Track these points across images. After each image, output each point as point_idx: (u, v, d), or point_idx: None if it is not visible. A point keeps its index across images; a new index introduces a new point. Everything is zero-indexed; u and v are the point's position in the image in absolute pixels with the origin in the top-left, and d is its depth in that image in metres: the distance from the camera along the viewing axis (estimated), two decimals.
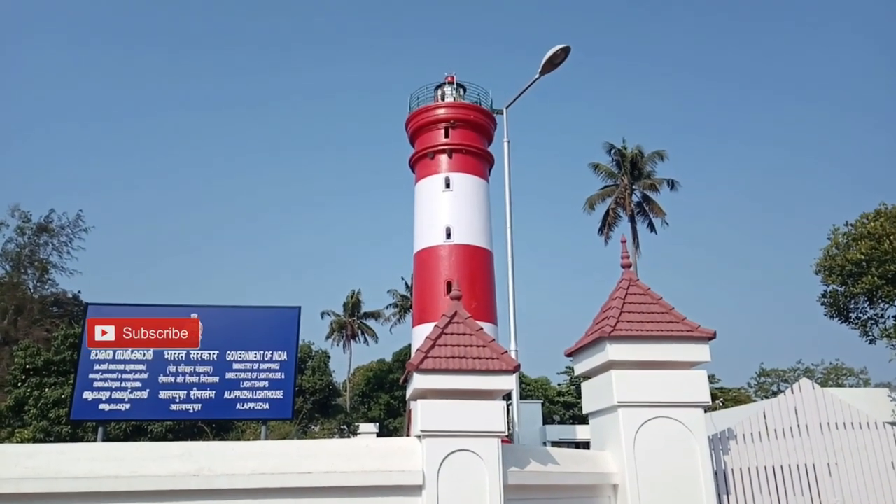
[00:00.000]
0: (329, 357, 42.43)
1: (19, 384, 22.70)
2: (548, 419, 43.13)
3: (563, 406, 46.37)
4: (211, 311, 8.13)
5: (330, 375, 42.06)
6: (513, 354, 9.98)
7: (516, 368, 6.29)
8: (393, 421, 41.27)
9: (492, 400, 6.26)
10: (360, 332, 54.57)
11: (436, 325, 6.67)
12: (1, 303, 35.29)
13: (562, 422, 43.86)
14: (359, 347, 58.21)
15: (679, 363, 7.62)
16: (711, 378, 43.97)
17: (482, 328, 6.73)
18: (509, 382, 6.27)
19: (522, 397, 42.71)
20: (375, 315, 54.73)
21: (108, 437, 19.44)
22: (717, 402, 36.98)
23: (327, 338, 54.37)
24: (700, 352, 7.63)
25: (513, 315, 9.80)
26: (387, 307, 54.40)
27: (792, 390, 9.04)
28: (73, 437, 20.95)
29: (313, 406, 39.84)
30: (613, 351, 7.51)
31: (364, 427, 38.87)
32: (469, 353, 6.33)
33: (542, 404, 42.54)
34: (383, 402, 42.92)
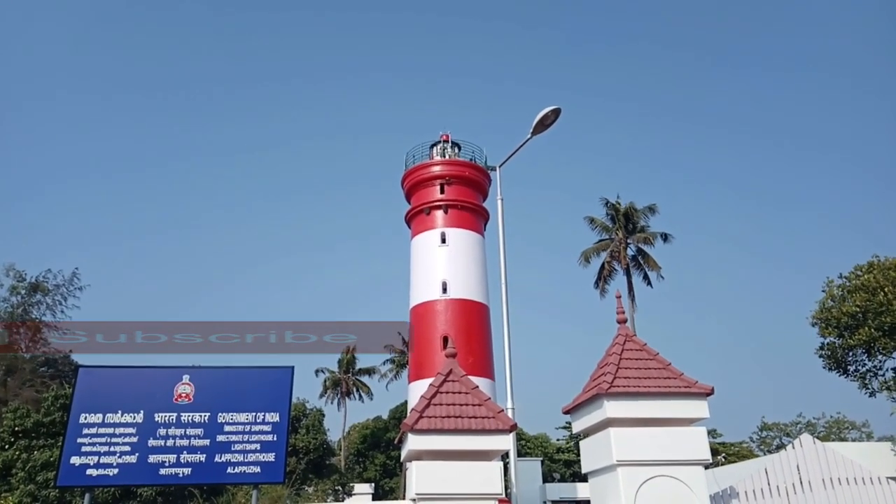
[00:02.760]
0: (324, 415, 41.67)
1: (7, 447, 22.13)
2: (548, 477, 42.16)
3: (563, 464, 45.43)
4: (202, 372, 8.04)
5: (325, 434, 41.22)
6: (510, 412, 9.85)
7: (513, 428, 6.21)
8: (389, 481, 40.29)
9: (488, 461, 6.16)
10: (355, 389, 53.79)
11: (431, 384, 6.62)
12: None
13: (562, 479, 42.87)
14: (354, 405, 57.28)
15: (678, 420, 7.55)
16: (713, 432, 43.28)
17: (477, 386, 6.68)
18: (506, 442, 6.18)
19: (521, 454, 41.91)
20: (370, 371, 54.08)
21: (95, 502, 18.80)
22: (718, 457, 36.29)
23: (321, 395, 53.53)
24: (698, 408, 7.57)
25: (509, 372, 9.71)
26: (383, 363, 53.85)
27: (793, 446, 8.92)
28: (61, 502, 20.34)
29: (307, 466, 38.87)
30: (611, 408, 7.43)
31: (359, 488, 37.90)
32: (465, 413, 6.26)
33: (542, 462, 41.67)
34: (379, 461, 42.01)
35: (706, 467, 7.66)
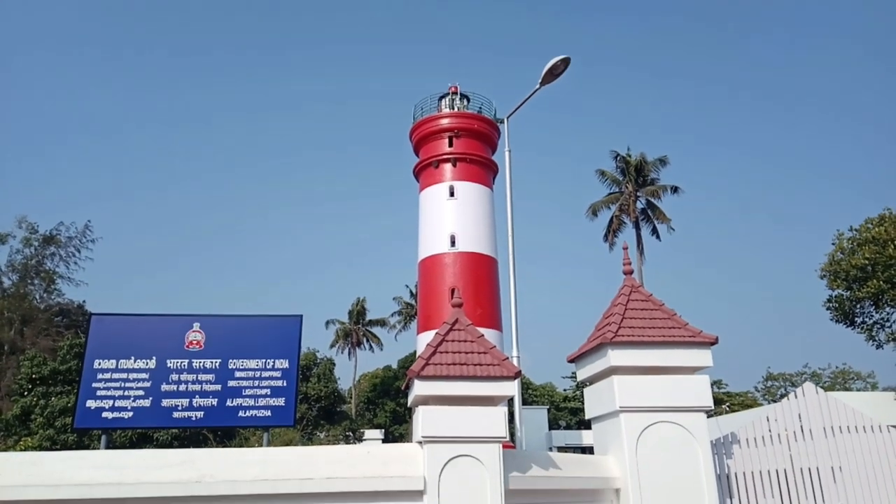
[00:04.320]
0: (334, 364, 42.54)
1: (26, 393, 22.82)
2: (553, 425, 43.01)
3: (569, 412, 46.27)
4: (213, 320, 8.18)
5: (335, 383, 42.13)
6: (515, 361, 10.00)
7: (517, 374, 6.31)
8: (398, 427, 41.22)
9: (493, 406, 6.27)
10: (365, 340, 54.61)
11: (437, 333, 6.69)
12: (7, 313, 35.48)
13: (567, 427, 43.75)
14: (364, 355, 58.26)
15: (681, 368, 7.62)
16: (718, 383, 43.81)
17: (483, 335, 6.75)
18: (510, 388, 6.28)
19: (528, 403, 42.66)
20: (380, 323, 54.80)
21: (113, 446, 19.46)
22: (723, 406, 36.80)
23: (332, 346, 54.43)
24: (702, 357, 7.63)
25: (514, 321, 9.81)
26: (392, 315, 54.50)
27: (796, 395, 9.01)
28: (79, 446, 21.00)
29: (319, 413, 39.88)
30: (615, 357, 7.52)
31: (369, 433, 38.82)
32: (470, 360, 6.35)
33: (548, 410, 42.45)
34: (389, 408, 42.90)
35: (709, 415, 7.78)
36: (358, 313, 54.60)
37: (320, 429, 39.00)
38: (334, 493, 5.69)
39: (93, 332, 7.85)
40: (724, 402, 39.26)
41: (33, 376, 22.67)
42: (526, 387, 46.40)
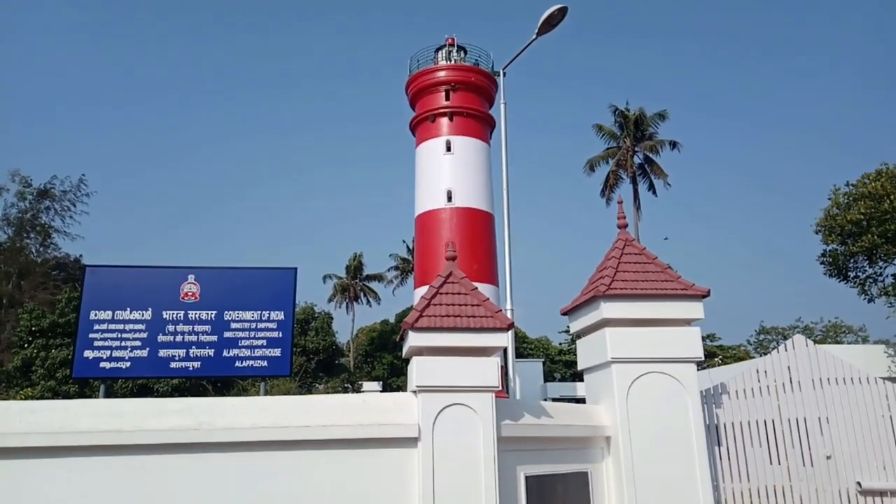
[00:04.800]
0: (332, 318, 42.93)
1: (25, 345, 23.03)
2: (549, 377, 43.73)
3: (563, 364, 46.98)
4: (208, 272, 8.21)
5: (333, 336, 42.57)
6: (508, 313, 10.09)
7: (510, 326, 6.37)
8: (396, 379, 41.87)
9: (486, 356, 6.36)
10: (362, 295, 55.00)
11: (431, 286, 6.73)
12: (4, 267, 35.54)
13: (563, 379, 44.50)
14: (362, 309, 58.79)
15: (673, 321, 7.70)
16: (712, 336, 44.38)
17: (476, 288, 6.80)
18: (503, 340, 6.35)
19: (524, 356, 43.26)
20: (378, 277, 55.12)
21: (114, 397, 19.79)
22: (716, 359, 37.38)
23: (330, 300, 54.86)
24: (694, 309, 7.70)
25: (509, 275, 9.88)
26: (388, 270, 54.77)
27: (785, 347, 9.12)
28: (80, 396, 21.37)
29: (317, 366, 40.42)
30: (608, 309, 7.59)
31: (368, 385, 39.49)
32: (463, 312, 6.41)
33: (543, 363, 43.08)
34: (387, 361, 43.48)
35: (700, 367, 7.90)
36: (355, 268, 54.85)
37: (319, 381, 39.58)
38: (330, 441, 5.81)
39: (87, 284, 7.89)
40: (717, 355, 39.84)
41: (32, 329, 22.83)
42: (522, 340, 46.96)
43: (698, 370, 7.75)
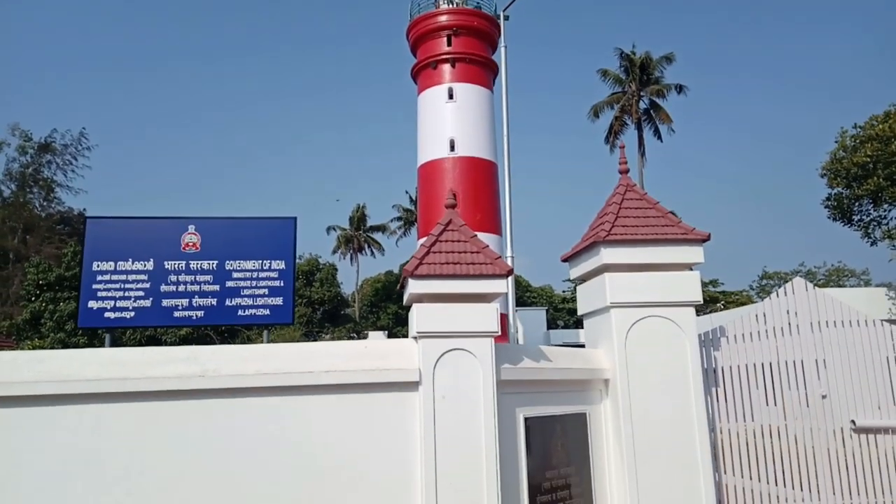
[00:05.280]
0: (336, 269, 43.22)
1: (33, 299, 23.31)
2: (552, 324, 44.18)
3: (566, 312, 47.40)
4: (208, 222, 8.22)
5: (338, 287, 42.94)
6: (509, 261, 10.14)
7: (509, 273, 6.40)
8: (401, 329, 42.41)
9: (486, 303, 6.42)
10: (366, 246, 55.18)
11: (431, 233, 6.75)
12: (9, 222, 35.68)
13: (566, 327, 44.97)
14: (366, 260, 59.05)
15: (673, 265, 7.73)
16: (714, 282, 44.56)
17: (476, 235, 6.80)
18: (503, 286, 6.40)
19: (527, 304, 43.62)
20: (381, 229, 55.17)
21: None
22: (718, 304, 37.61)
23: (334, 251, 55.10)
24: (694, 254, 7.72)
25: (509, 222, 9.88)
26: (392, 221, 54.76)
27: (785, 290, 9.16)
28: (90, 348, 21.77)
29: (323, 316, 40.89)
30: (608, 255, 7.61)
31: (373, 335, 39.98)
32: (463, 259, 6.44)
33: (547, 311, 43.47)
34: (391, 311, 43.94)
35: (702, 312, 7.97)
36: (358, 219, 54.87)
37: (325, 331, 40.11)
38: (333, 385, 5.93)
39: (89, 235, 7.93)
40: (720, 300, 40.07)
41: (40, 282, 23.08)
42: (525, 289, 47.29)
43: (700, 315, 7.82)
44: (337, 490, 5.76)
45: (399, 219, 53.96)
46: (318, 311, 40.63)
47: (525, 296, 47.00)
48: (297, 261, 42.12)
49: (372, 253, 55.60)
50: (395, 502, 5.84)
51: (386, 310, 44.67)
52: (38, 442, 5.45)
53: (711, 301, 38.85)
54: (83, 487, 5.43)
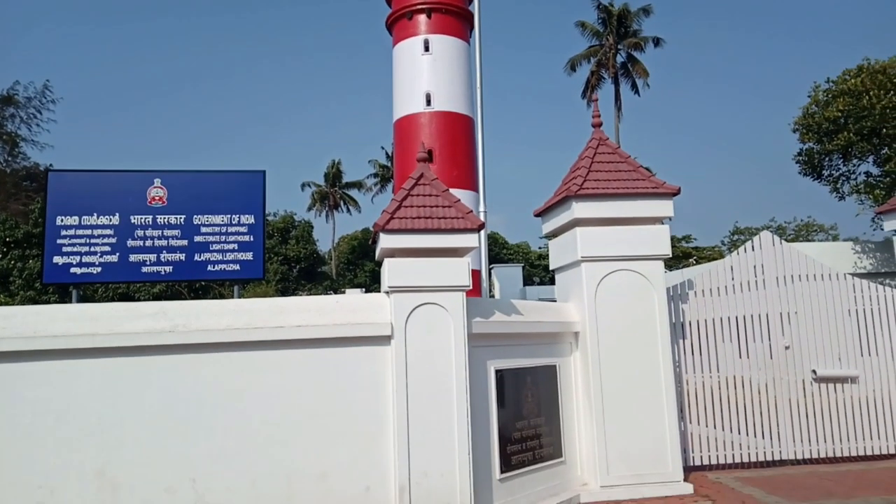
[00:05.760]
0: (312, 227, 42.90)
1: (1, 256, 22.87)
2: (528, 281, 44.56)
3: (542, 269, 47.80)
4: (174, 176, 8.07)
5: (314, 244, 42.70)
6: (481, 216, 10.13)
7: (480, 227, 6.41)
8: (379, 286, 42.46)
9: (457, 257, 6.43)
10: (342, 203, 54.74)
11: (402, 187, 6.70)
12: None
13: (542, 283, 45.40)
14: (342, 217, 58.78)
15: (644, 219, 7.80)
16: (687, 238, 45.15)
17: (448, 189, 6.77)
18: (474, 240, 6.40)
19: (504, 261, 43.89)
20: (357, 185, 54.67)
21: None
22: (691, 259, 38.19)
23: (309, 208, 54.62)
24: (664, 207, 7.78)
25: (482, 177, 9.84)
26: (368, 177, 54.26)
27: (752, 244, 9.31)
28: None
29: (299, 273, 40.76)
30: (579, 209, 7.65)
31: (350, 292, 40.02)
32: (434, 214, 6.41)
33: (523, 267, 43.80)
34: (368, 269, 43.93)
35: (673, 267, 8.08)
36: (334, 176, 54.27)
37: (301, 289, 40.04)
38: (305, 340, 5.95)
39: (51, 188, 7.74)
40: (692, 255, 40.67)
41: (7, 239, 22.62)
42: (502, 246, 47.49)
43: (672, 271, 7.92)
44: (310, 440, 5.83)
45: (375, 175, 53.46)
46: (294, 268, 40.48)
47: (502, 253, 47.24)
48: (273, 218, 41.73)
49: (348, 210, 55.24)
50: (367, 452, 5.94)
51: (363, 267, 44.65)
52: (7, 398, 5.41)
53: (684, 256, 39.41)
54: (54, 442, 5.42)
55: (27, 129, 37.39)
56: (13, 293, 21.38)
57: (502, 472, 6.54)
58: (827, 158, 17.87)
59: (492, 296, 31.05)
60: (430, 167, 7.03)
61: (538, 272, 47.92)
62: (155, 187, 7.95)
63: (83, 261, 7.65)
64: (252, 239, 8.03)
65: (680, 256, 39.82)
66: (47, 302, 21.49)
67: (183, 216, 7.89)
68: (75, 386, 5.52)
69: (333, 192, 54.23)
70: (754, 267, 9.18)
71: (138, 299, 22.33)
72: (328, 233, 55.79)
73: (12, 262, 22.18)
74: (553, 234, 8.59)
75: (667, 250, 7.70)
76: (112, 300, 22.27)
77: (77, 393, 5.52)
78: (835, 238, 39.41)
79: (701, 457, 8.47)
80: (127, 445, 5.53)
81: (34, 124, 37.47)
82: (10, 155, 37.45)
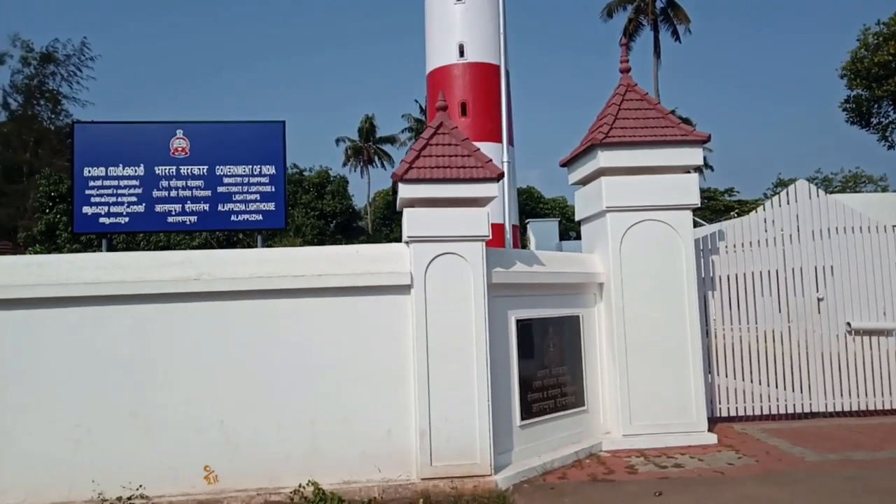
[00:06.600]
0: (347, 182, 43.02)
1: (47, 210, 23.58)
2: (564, 236, 44.19)
3: (579, 224, 47.29)
4: (196, 126, 8.16)
5: (350, 199, 42.90)
6: (504, 166, 10.00)
7: (500, 176, 6.33)
8: None
9: (477, 206, 6.39)
10: (376, 158, 54.66)
11: (420, 137, 6.64)
12: (21, 135, 35.64)
13: (578, 238, 45.00)
14: (376, 172, 58.82)
15: (672, 168, 7.60)
16: (730, 191, 44.01)
17: (467, 138, 6.68)
18: (493, 190, 6.34)
19: (540, 216, 43.51)
20: (391, 140, 54.39)
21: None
22: (733, 213, 37.27)
23: (344, 164, 54.70)
24: (692, 156, 7.56)
25: (506, 125, 9.70)
26: (402, 132, 53.90)
27: (787, 196, 8.98)
28: None
29: (336, 229, 41.15)
30: (605, 158, 7.49)
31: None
32: (453, 163, 6.35)
33: (560, 222, 43.41)
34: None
35: (711, 220, 7.87)
36: (367, 131, 54.07)
37: (337, 244, 40.48)
38: (326, 289, 6.03)
39: (78, 140, 7.92)
40: (735, 209, 39.66)
41: (52, 194, 23.28)
42: (538, 200, 47.03)
43: (712, 223, 7.69)
44: (333, 385, 5.97)
45: (409, 129, 53.09)
46: (330, 223, 40.85)
47: (538, 207, 46.77)
48: (308, 173, 42.00)
49: (382, 165, 55.13)
50: (389, 398, 6.06)
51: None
52: (45, 342, 5.65)
53: (726, 210, 38.45)
54: (90, 384, 5.67)
55: (68, 87, 38.18)
56: (60, 246, 22.11)
57: (523, 419, 6.61)
58: (876, 105, 17.02)
59: (524, 247, 30.88)
60: (448, 115, 6.93)
61: (575, 227, 47.47)
62: (178, 138, 8.05)
63: (111, 211, 7.86)
64: (273, 189, 8.11)
65: (722, 210, 38.88)
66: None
67: (205, 167, 8.00)
68: (107, 331, 5.73)
69: (367, 146, 54.14)
70: (789, 219, 8.89)
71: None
72: (363, 188, 55.99)
73: (58, 217, 22.87)
74: (580, 184, 8.44)
75: (695, 200, 7.52)
76: (140, 249, 22.90)
77: (109, 338, 5.73)
78: (884, 189, 37.89)
79: (728, 408, 8.42)
80: (158, 388, 5.76)
81: (74, 82, 38.22)
82: (52, 112, 38.36)
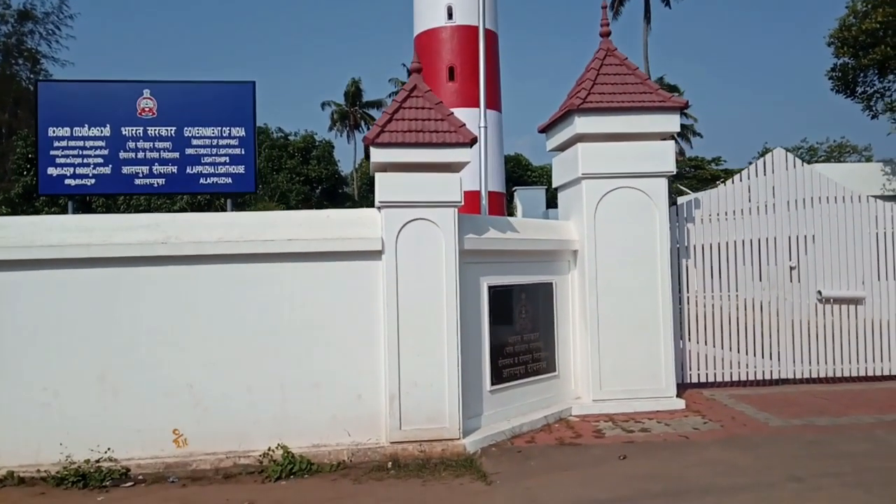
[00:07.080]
0: (333, 147, 42.57)
1: (24, 173, 23.12)
2: (551, 204, 44.16)
3: (556, 190, 47.20)
4: (164, 86, 7.97)
5: (335, 165, 42.50)
6: (481, 132, 9.91)
7: (473, 141, 6.26)
8: None
9: (450, 172, 6.33)
10: (362, 122, 54.02)
11: (394, 100, 6.53)
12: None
13: None
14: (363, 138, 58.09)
15: (649, 134, 7.55)
16: (717, 160, 43.99)
17: (441, 102, 6.58)
18: (466, 155, 6.27)
19: (528, 184, 43.38)
20: (377, 104, 53.66)
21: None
22: (718, 182, 37.33)
23: (330, 128, 54.03)
24: (670, 122, 7.51)
25: (485, 89, 9.57)
26: (389, 96, 53.18)
27: (763, 165, 8.97)
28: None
29: (321, 195, 40.85)
30: (581, 124, 7.42)
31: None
32: (426, 127, 6.26)
33: (547, 190, 43.32)
34: None
35: (696, 189, 7.85)
36: (353, 95, 53.30)
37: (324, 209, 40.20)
38: (295, 254, 5.99)
39: (42, 99, 7.71)
40: (721, 178, 39.70)
41: (29, 156, 22.76)
42: (525, 168, 46.87)
43: (668, 182, 7.65)
44: (303, 350, 5.97)
45: (396, 93, 52.49)
46: (316, 189, 40.53)
47: (526, 175, 46.59)
48: (293, 138, 41.49)
49: (369, 130, 54.50)
50: (359, 363, 6.07)
51: None
52: (10, 305, 5.58)
53: (712, 179, 38.47)
54: (57, 348, 5.63)
55: (47, 46, 37.17)
56: (38, 209, 21.75)
57: (493, 384, 6.66)
58: (861, 74, 16.96)
59: (511, 214, 30.85)
60: (422, 78, 6.82)
61: None
62: (145, 98, 7.87)
63: (77, 172, 7.72)
64: (243, 152, 7.98)
65: (708, 179, 38.90)
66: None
67: (173, 128, 7.84)
68: (73, 294, 5.67)
69: (353, 111, 53.44)
70: (766, 188, 8.90)
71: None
72: (350, 154, 55.46)
73: (35, 179, 22.44)
74: (558, 150, 8.38)
75: (671, 167, 7.50)
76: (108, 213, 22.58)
77: (76, 301, 5.67)
78: (868, 159, 38.01)
79: (699, 375, 8.53)
80: (126, 352, 5.73)
81: (53, 41, 37.21)
82: (31, 72, 37.41)
